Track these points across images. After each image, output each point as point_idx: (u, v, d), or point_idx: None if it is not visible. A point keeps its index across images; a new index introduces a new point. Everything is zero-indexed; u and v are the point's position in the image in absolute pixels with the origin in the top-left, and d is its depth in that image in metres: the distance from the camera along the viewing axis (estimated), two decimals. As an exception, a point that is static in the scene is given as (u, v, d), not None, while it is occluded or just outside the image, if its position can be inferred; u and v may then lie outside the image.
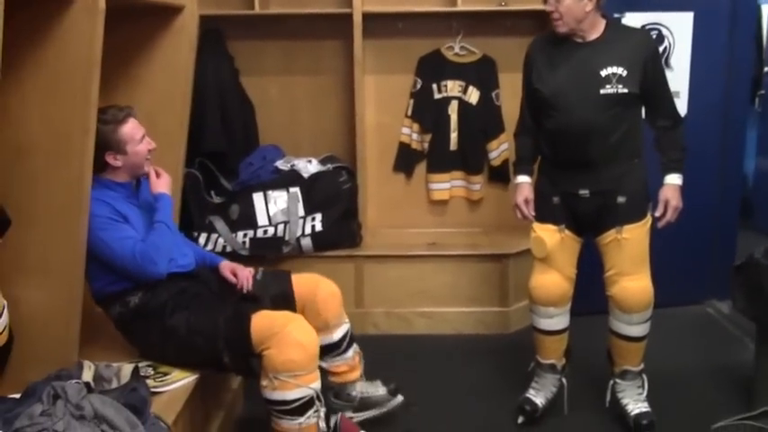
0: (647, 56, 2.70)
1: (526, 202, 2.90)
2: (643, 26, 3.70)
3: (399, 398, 2.93)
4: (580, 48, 2.71)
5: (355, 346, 2.90)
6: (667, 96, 2.82)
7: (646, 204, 2.81)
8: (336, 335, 2.77)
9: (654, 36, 3.75)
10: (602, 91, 2.65)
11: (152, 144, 2.65)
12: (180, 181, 3.18)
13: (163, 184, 2.69)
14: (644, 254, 2.80)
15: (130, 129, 2.58)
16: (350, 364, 2.82)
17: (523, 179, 2.93)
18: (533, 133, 2.93)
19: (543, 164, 2.91)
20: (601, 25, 2.72)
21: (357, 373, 2.84)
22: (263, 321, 2.43)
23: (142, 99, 3.04)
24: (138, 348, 2.64)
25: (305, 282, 2.80)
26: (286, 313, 2.50)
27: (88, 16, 2.15)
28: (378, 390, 2.91)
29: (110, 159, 2.55)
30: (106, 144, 2.50)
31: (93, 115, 2.24)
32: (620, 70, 2.65)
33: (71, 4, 2.14)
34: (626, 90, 2.65)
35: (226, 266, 2.84)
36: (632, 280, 2.78)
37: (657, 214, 2.80)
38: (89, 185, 2.28)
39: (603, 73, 2.65)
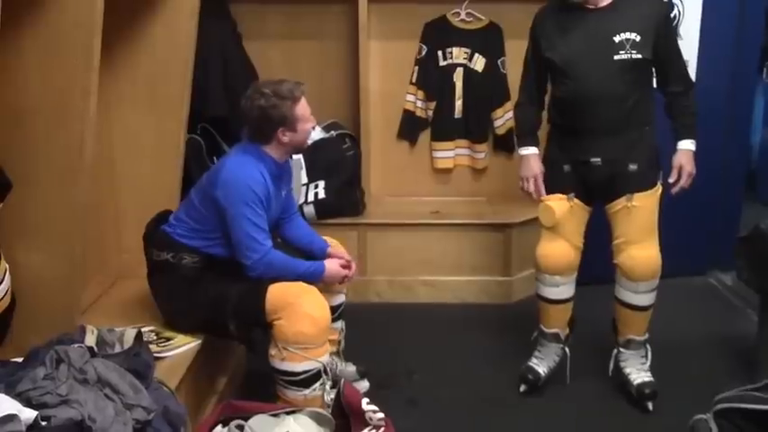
0: (660, 20, 2.68)
1: (536, 176, 2.86)
2: (653, -7, 3.63)
3: (365, 383, 2.93)
4: (591, 14, 2.66)
5: (341, 324, 2.91)
6: (679, 61, 2.80)
7: (656, 172, 2.80)
8: (333, 301, 2.76)
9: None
10: (615, 57, 2.63)
11: (315, 121, 2.63)
12: (182, 146, 3.16)
13: (335, 266, 2.68)
14: (653, 223, 2.79)
15: (304, 106, 2.55)
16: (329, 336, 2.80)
17: (531, 150, 2.88)
18: (537, 103, 2.90)
19: (553, 132, 2.88)
20: None
21: (332, 348, 2.78)
22: (277, 291, 2.44)
23: (144, 63, 3.02)
24: (156, 297, 2.65)
25: (331, 251, 2.82)
26: (300, 284, 2.50)
27: (89, -23, 2.11)
28: (347, 368, 2.92)
29: (279, 134, 2.52)
30: (281, 119, 2.49)
31: (95, 78, 2.20)
32: (633, 35, 2.61)
33: (72, -36, 2.10)
34: (640, 56, 2.62)
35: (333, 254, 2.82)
36: (640, 248, 2.77)
37: (671, 180, 2.78)
38: (90, 148, 2.25)
39: (617, 39, 2.62)
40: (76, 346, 1.95)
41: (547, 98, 2.93)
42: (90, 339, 2.20)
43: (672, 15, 3.66)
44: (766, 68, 5.19)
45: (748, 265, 2.91)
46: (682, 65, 2.81)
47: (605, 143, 2.73)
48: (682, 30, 3.78)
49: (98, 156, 2.66)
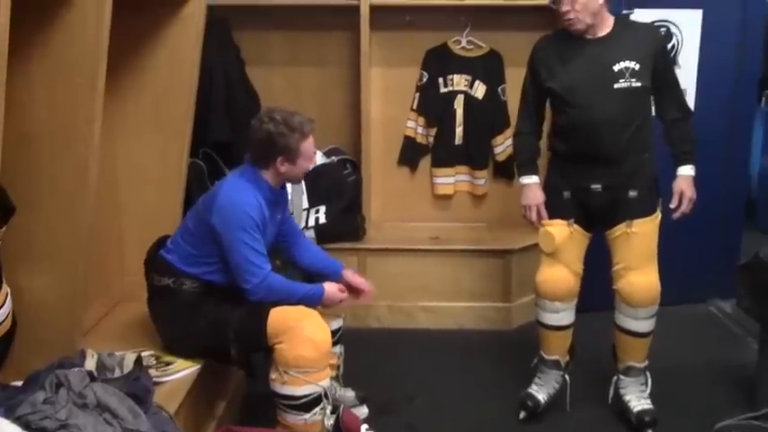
0: (658, 49, 2.73)
1: (538, 205, 2.87)
2: (652, 23, 3.68)
3: (364, 409, 2.93)
4: (591, 44, 2.70)
5: (340, 348, 2.90)
6: (677, 89, 2.83)
7: (656, 199, 2.82)
8: (331, 326, 2.76)
9: (663, 33, 3.73)
10: (615, 85, 2.66)
11: (315, 161, 2.65)
12: (185, 170, 3.18)
13: (334, 288, 2.68)
14: (652, 249, 2.80)
15: (310, 144, 2.57)
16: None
17: (532, 179, 2.90)
18: (536, 132, 2.93)
19: (554, 159, 2.90)
20: (610, 21, 2.72)
21: (331, 373, 2.75)
22: (279, 314, 2.44)
23: (148, 88, 3.05)
24: (156, 322, 2.66)
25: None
26: (301, 308, 2.50)
27: (96, 4, 2.14)
28: (346, 393, 2.91)
29: (278, 163, 2.53)
30: (284, 149, 2.50)
31: (99, 103, 2.23)
32: (632, 64, 2.65)
33: (79, -9, 2.13)
34: (639, 84, 2.66)
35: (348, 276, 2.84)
36: (640, 274, 2.78)
37: (672, 206, 2.80)
38: (94, 172, 2.27)
39: (616, 67, 2.66)
40: (76, 370, 1.96)
41: (546, 126, 2.95)
42: (90, 363, 2.20)
43: (670, 45, 3.72)
44: (765, 97, 5.24)
45: (748, 293, 2.91)
46: (679, 93, 2.85)
47: (606, 170, 2.75)
48: (681, 59, 3.82)
49: (101, 180, 2.67)
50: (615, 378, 2.95)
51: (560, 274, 2.86)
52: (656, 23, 3.70)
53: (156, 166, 3.12)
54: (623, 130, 2.70)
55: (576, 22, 2.65)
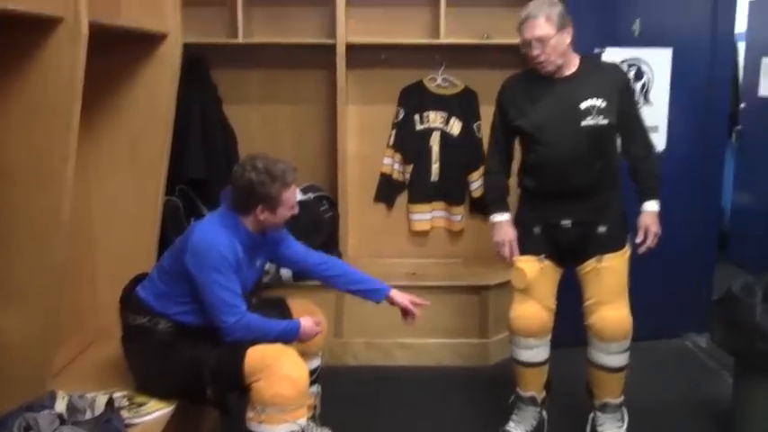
0: (622, 87, 2.79)
1: (510, 241, 2.89)
2: (623, 61, 3.76)
3: None
4: (558, 83, 2.75)
5: (317, 387, 2.89)
6: (641, 126, 2.89)
7: (625, 234, 2.86)
8: (309, 365, 2.74)
9: (633, 71, 3.81)
10: (583, 123, 2.70)
11: (296, 210, 2.63)
12: (160, 208, 3.17)
13: (310, 322, 2.65)
14: (623, 283, 2.83)
15: (292, 193, 2.57)
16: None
17: (503, 217, 2.92)
18: (506, 171, 2.97)
19: (524, 195, 2.93)
20: (576, 60, 2.78)
21: (308, 413, 2.73)
22: (256, 353, 2.42)
23: (124, 126, 3.06)
24: (129, 362, 2.61)
25: (302, 310, 2.80)
26: (279, 346, 2.48)
27: (71, 43, 2.15)
28: None
29: (258, 211, 2.52)
30: (264, 197, 2.49)
31: (74, 142, 2.23)
32: (598, 102, 2.71)
33: (54, 31, 2.15)
34: (606, 121, 2.71)
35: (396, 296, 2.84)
36: (611, 309, 2.80)
37: (638, 241, 2.84)
38: (68, 211, 2.27)
39: (583, 105, 2.70)
40: (46, 412, 1.93)
41: (515, 163, 2.99)
42: (60, 405, 2.17)
43: (640, 84, 3.80)
44: (735, 133, 5.34)
45: (722, 327, 2.93)
46: (643, 131, 2.90)
47: (575, 206, 2.79)
48: (652, 96, 3.89)
49: (76, 218, 2.66)
50: (592, 415, 2.95)
51: (533, 310, 2.87)
52: (626, 62, 3.78)
53: (131, 204, 3.11)
54: (591, 167, 2.75)
55: (546, 64, 2.70)
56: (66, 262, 2.38)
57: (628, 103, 2.81)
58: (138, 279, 2.66)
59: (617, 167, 2.85)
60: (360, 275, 2.88)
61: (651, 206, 2.85)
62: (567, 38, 2.69)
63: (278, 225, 2.64)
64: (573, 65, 2.77)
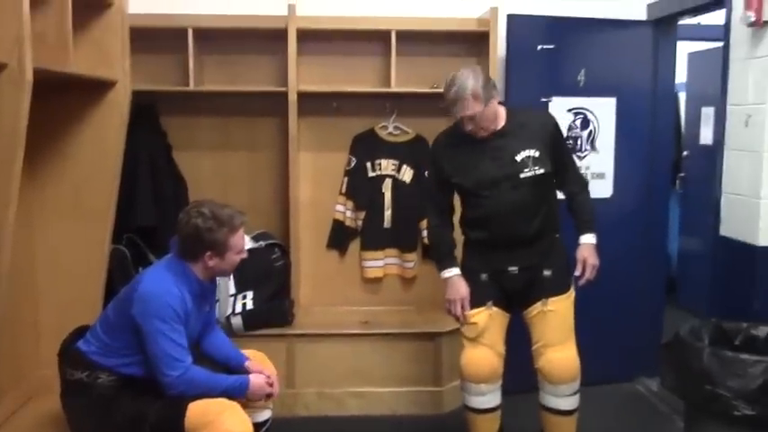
0: (550, 131, 2.86)
1: (463, 299, 2.88)
2: (569, 110, 3.85)
3: None
4: (490, 139, 2.79)
5: None
6: (572, 165, 3.00)
7: (569, 277, 2.90)
8: (258, 417, 2.68)
9: (580, 120, 3.91)
10: (522, 175, 2.76)
11: (246, 254, 2.58)
12: (106, 257, 3.10)
13: (261, 380, 2.61)
14: (569, 325, 2.87)
15: (239, 237, 2.52)
16: None
17: (454, 272, 2.92)
18: (449, 224, 2.99)
19: (469, 244, 2.96)
20: (503, 113, 2.83)
21: None
22: (197, 408, 2.36)
23: (70, 172, 3.01)
24: (69, 418, 2.52)
25: (253, 359, 2.76)
26: (221, 401, 2.42)
27: (14, 88, 2.13)
28: None
29: (206, 258, 2.47)
30: (212, 244, 2.45)
31: (15, 189, 2.19)
32: (533, 152, 2.77)
33: (-3, 76, 2.11)
34: (543, 170, 2.77)
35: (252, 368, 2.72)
36: (557, 350, 2.83)
37: (577, 273, 2.88)
38: (7, 259, 2.21)
39: (519, 157, 2.76)
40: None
41: (456, 215, 3.02)
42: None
43: (587, 133, 3.90)
44: (678, 180, 5.49)
45: (671, 371, 2.96)
46: (575, 168, 3.02)
47: (520, 253, 2.83)
48: (598, 143, 3.98)
49: (17, 266, 2.59)
50: (547, 460, 2.93)
51: (483, 356, 2.88)
52: (573, 110, 3.88)
53: (76, 253, 3.05)
54: (535, 215, 2.81)
55: (479, 132, 2.75)
56: (6, 312, 2.30)
57: (558, 145, 2.88)
58: (79, 331, 2.58)
59: (557, 213, 2.92)
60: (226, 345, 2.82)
61: (588, 239, 2.90)
62: (495, 105, 2.75)
63: (227, 271, 2.60)
64: (502, 118, 2.82)
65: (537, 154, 2.76)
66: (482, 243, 2.89)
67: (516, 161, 2.75)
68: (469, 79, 2.67)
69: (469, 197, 2.87)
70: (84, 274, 3.06)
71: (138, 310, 2.37)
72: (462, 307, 2.87)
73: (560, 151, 2.88)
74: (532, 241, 2.82)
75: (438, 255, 3.01)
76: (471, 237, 2.93)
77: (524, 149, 2.76)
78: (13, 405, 2.81)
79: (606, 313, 3.75)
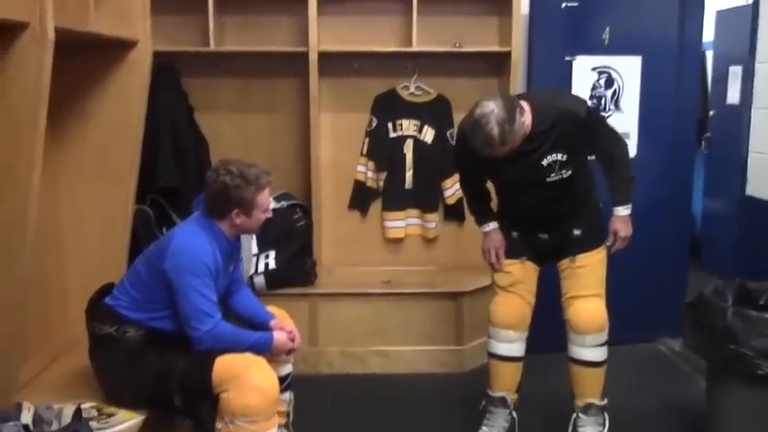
0: (583, 127, 2.69)
1: (497, 249, 2.93)
2: (594, 69, 3.79)
3: None
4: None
5: (290, 394, 2.86)
6: (609, 141, 2.86)
7: (601, 233, 2.90)
8: (281, 371, 2.71)
9: (604, 79, 3.85)
10: (548, 179, 2.73)
11: (271, 213, 2.61)
12: (130, 217, 3.13)
13: (283, 337, 2.66)
14: (598, 279, 2.89)
15: (266, 196, 2.55)
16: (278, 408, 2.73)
17: (492, 226, 2.96)
18: (484, 195, 3.01)
19: (499, 211, 2.99)
20: (529, 116, 2.62)
21: (281, 420, 2.72)
22: (224, 362, 2.39)
23: (93, 133, 3.02)
24: (98, 372, 2.57)
25: (276, 319, 2.79)
26: (248, 356, 2.45)
27: (36, 48, 2.12)
28: None
29: (233, 216, 2.50)
30: (239, 201, 2.48)
31: (39, 150, 2.20)
32: (559, 156, 2.69)
33: (19, 35, 2.12)
34: (570, 172, 2.73)
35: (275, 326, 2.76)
36: (585, 302, 2.85)
37: (608, 243, 2.90)
38: (33, 221, 2.23)
39: (545, 162, 2.70)
40: (11, 424, 1.88)
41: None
42: (26, 417, 2.12)
43: (611, 92, 3.84)
44: (704, 140, 5.41)
45: (694, 331, 2.96)
46: (611, 141, 2.86)
47: (550, 226, 2.88)
48: (622, 103, 3.93)
49: (43, 227, 2.63)
50: (574, 416, 2.96)
51: (514, 302, 2.93)
52: (597, 69, 3.82)
53: (101, 213, 3.07)
54: (562, 204, 2.82)
55: (510, 153, 2.61)
56: (33, 272, 2.34)
57: (590, 136, 2.74)
58: (105, 289, 2.62)
59: (592, 182, 2.92)
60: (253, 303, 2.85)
61: (620, 211, 2.89)
62: (525, 120, 2.58)
63: (253, 229, 2.63)
64: (527, 124, 2.61)
65: (564, 158, 2.68)
66: (511, 214, 2.95)
67: (543, 166, 2.69)
68: (494, 128, 2.47)
69: (497, 190, 2.93)
70: (108, 234, 3.09)
71: (171, 265, 2.41)
72: (497, 256, 2.92)
73: (593, 138, 2.76)
74: (562, 219, 2.86)
75: (475, 211, 3.04)
76: (499, 207, 3.00)
77: (551, 154, 2.67)
78: (41, 363, 2.86)
79: (630, 273, 3.73)
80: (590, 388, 2.91)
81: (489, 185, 3.02)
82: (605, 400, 2.93)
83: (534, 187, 2.75)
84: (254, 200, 2.49)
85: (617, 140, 2.89)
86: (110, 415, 2.43)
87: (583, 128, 2.69)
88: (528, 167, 2.70)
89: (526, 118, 2.60)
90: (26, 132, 2.16)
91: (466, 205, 3.15)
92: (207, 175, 2.55)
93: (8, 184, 2.17)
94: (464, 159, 2.88)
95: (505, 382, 2.97)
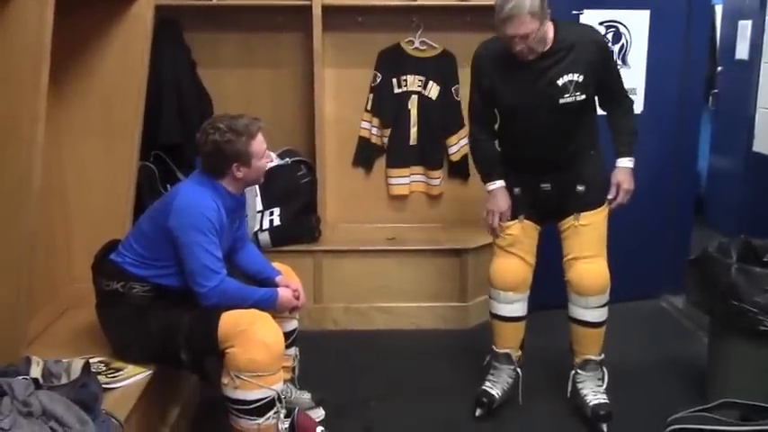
0: (600, 54, 2.71)
1: (502, 212, 2.87)
2: (601, 23, 3.74)
3: (320, 411, 2.90)
4: (535, 59, 2.65)
5: (295, 350, 2.88)
6: (619, 86, 2.86)
7: (604, 192, 2.86)
8: (286, 327, 2.73)
9: (611, 33, 3.80)
10: (561, 101, 2.67)
11: (272, 158, 2.58)
12: (134, 173, 3.12)
13: (288, 294, 2.66)
14: (601, 239, 2.86)
15: (260, 143, 2.52)
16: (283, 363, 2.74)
17: (498, 184, 2.89)
18: (491, 134, 2.93)
19: (503, 160, 2.92)
20: (550, 31, 2.65)
21: (286, 375, 2.74)
22: (230, 318, 2.40)
23: (96, 88, 3.00)
24: (105, 327, 2.59)
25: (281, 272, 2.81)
26: (253, 311, 2.46)
27: (37, 2, 2.09)
28: (302, 396, 2.89)
29: (234, 170, 2.48)
30: (236, 155, 2.46)
31: (42, 104, 2.18)
32: (576, 77, 2.66)
33: (19, -11, 2.08)
34: (584, 96, 2.68)
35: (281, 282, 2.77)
36: (588, 262, 2.84)
37: (610, 197, 2.85)
38: (38, 175, 2.22)
39: (560, 82, 2.66)
40: (21, 378, 1.90)
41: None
42: (35, 371, 2.14)
43: (618, 46, 3.79)
44: (711, 96, 5.35)
45: (697, 287, 2.97)
46: (622, 89, 2.87)
47: (554, 171, 2.81)
48: (629, 58, 3.88)
49: (47, 183, 2.62)
50: (573, 372, 2.97)
51: (514, 265, 2.91)
52: (604, 23, 3.76)
53: (105, 169, 3.06)
54: (569, 139, 2.76)
55: (529, 54, 2.60)
56: (38, 229, 2.34)
57: (606, 68, 2.75)
58: (111, 245, 2.62)
59: (596, 129, 2.85)
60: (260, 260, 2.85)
61: (624, 162, 2.85)
62: (546, 23, 2.58)
63: (257, 178, 2.62)
64: (549, 39, 2.64)
65: (580, 79, 2.65)
66: (515, 160, 2.86)
67: (558, 85, 2.65)
68: None
69: (506, 115, 2.81)
70: (113, 190, 3.08)
71: (176, 221, 2.40)
72: (500, 220, 2.88)
73: (608, 74, 2.75)
74: (567, 161, 2.79)
75: (482, 167, 2.97)
76: (504, 153, 2.90)
77: (568, 73, 2.64)
78: (48, 318, 2.88)
79: (633, 230, 3.73)
80: (590, 346, 2.92)
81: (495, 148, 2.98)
82: (602, 356, 2.94)
83: (546, 111, 2.68)
84: (248, 149, 2.47)
85: (625, 90, 2.88)
86: (117, 369, 2.45)
87: (599, 58, 2.70)
88: (542, 85, 2.66)
89: (549, 29, 2.61)
90: (29, 88, 2.14)
91: (471, 160, 3.10)
92: (197, 137, 2.52)
93: (12, 139, 2.15)
94: (479, 79, 2.80)
95: (508, 341, 2.99)
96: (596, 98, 2.81)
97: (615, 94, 2.84)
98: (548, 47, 2.65)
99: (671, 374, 3.32)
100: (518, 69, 2.68)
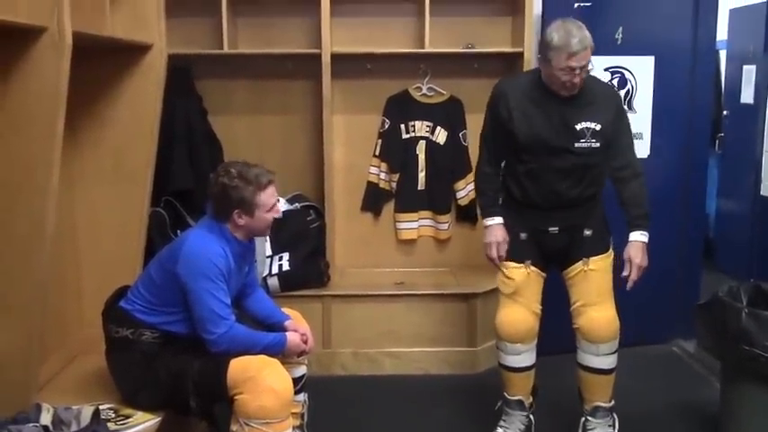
0: (617, 111, 2.78)
1: (499, 243, 2.88)
2: (606, 69, 3.78)
3: None
4: (556, 100, 2.71)
5: (304, 396, 2.87)
6: (630, 148, 2.87)
7: (608, 237, 2.88)
8: (294, 373, 2.72)
9: (617, 79, 3.84)
10: (576, 144, 2.71)
11: (279, 213, 2.61)
12: (145, 219, 3.15)
13: (297, 338, 2.67)
14: (609, 285, 2.86)
15: (268, 196, 2.53)
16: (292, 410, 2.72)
17: (496, 221, 2.91)
18: (498, 172, 2.95)
19: (510, 202, 2.93)
20: None
21: (295, 421, 2.72)
22: (239, 364, 2.40)
23: (109, 136, 3.04)
24: (114, 374, 2.59)
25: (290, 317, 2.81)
26: (262, 357, 2.46)
27: (55, 52, 2.15)
28: None
29: (235, 217, 2.50)
30: (239, 202, 2.47)
31: (58, 151, 2.22)
32: (593, 125, 2.70)
33: (38, 40, 2.14)
34: (598, 144, 2.72)
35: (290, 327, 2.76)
36: (599, 310, 2.82)
37: (624, 274, 2.83)
38: (51, 222, 2.25)
39: (579, 126, 2.70)
40: (31, 425, 1.90)
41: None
42: (45, 418, 2.14)
43: (624, 92, 3.83)
44: (718, 140, 5.38)
45: (708, 332, 2.95)
46: (632, 152, 2.88)
47: (563, 214, 2.82)
48: (635, 103, 3.92)
49: (60, 229, 2.64)
50: (583, 419, 2.94)
51: (520, 315, 2.88)
52: (610, 69, 3.81)
53: (117, 216, 3.09)
54: (580, 183, 2.78)
55: (570, 89, 2.66)
56: (50, 274, 2.36)
57: (620, 123, 2.79)
58: (121, 291, 2.64)
59: (604, 179, 2.87)
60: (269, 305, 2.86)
61: (636, 236, 2.83)
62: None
63: (261, 230, 2.62)
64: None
65: (598, 128, 2.70)
66: (522, 202, 2.87)
67: (575, 129, 2.70)
68: (582, 27, 2.60)
69: (520, 151, 2.82)
70: (124, 236, 3.11)
71: (184, 268, 2.42)
72: (498, 251, 2.88)
73: (620, 130, 2.79)
74: (575, 205, 2.80)
75: (484, 200, 2.99)
76: (512, 194, 2.90)
77: (586, 120, 2.69)
78: (59, 363, 2.89)
79: (643, 274, 3.72)
80: (600, 393, 2.91)
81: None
82: (613, 402, 2.92)
83: (560, 153, 2.71)
84: (254, 200, 2.48)
85: (635, 154, 2.89)
86: (127, 416, 2.45)
87: (616, 113, 2.75)
88: (561, 127, 2.70)
89: None
90: (45, 135, 2.18)
91: (475, 194, 3.10)
92: (209, 177, 2.55)
93: (27, 185, 2.19)
94: (497, 110, 2.81)
95: (520, 389, 2.97)
96: (608, 159, 2.82)
97: (626, 156, 2.84)
98: (580, 84, 2.69)
99: (683, 420, 3.28)
100: (539, 106, 2.74)
